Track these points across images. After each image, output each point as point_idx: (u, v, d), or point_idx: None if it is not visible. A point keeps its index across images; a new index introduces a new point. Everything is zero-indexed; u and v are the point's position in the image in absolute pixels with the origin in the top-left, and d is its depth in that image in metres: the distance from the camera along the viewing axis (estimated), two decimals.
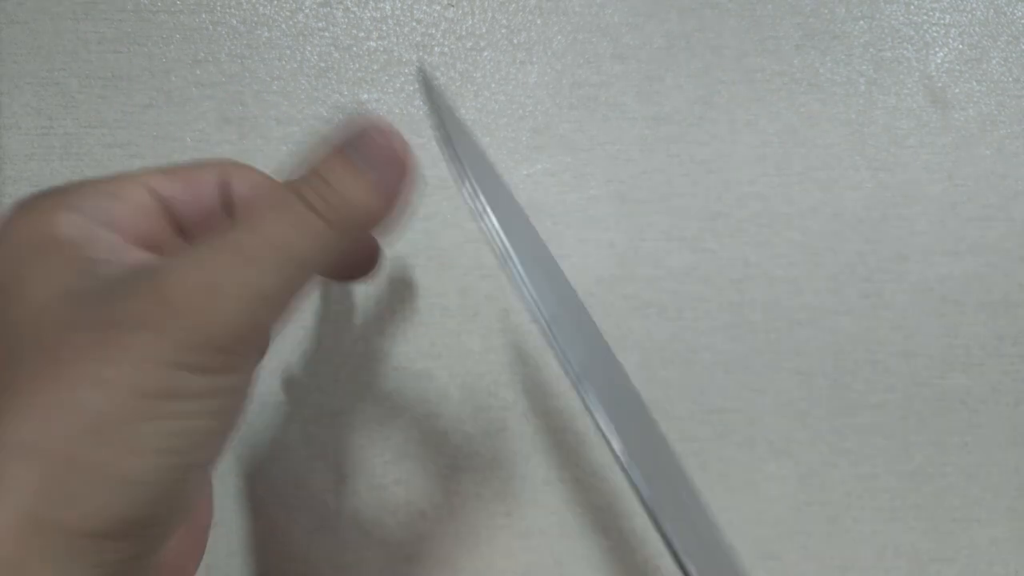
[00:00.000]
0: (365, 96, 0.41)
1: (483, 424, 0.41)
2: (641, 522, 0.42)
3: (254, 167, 0.27)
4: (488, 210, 0.25)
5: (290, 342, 0.41)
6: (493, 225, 0.25)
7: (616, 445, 0.24)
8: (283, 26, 0.41)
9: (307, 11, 0.41)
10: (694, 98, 0.43)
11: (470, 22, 0.42)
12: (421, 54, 0.41)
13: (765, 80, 0.43)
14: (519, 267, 0.25)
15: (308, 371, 0.42)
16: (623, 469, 0.24)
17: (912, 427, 0.44)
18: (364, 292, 0.41)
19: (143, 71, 0.40)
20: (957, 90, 0.44)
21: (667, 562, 0.39)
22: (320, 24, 0.41)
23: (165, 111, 0.40)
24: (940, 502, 0.44)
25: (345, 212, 0.22)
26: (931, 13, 0.44)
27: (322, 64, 0.41)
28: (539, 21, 0.42)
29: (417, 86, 0.39)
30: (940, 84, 0.43)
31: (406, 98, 0.41)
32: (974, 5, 0.44)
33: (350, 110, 0.41)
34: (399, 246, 0.41)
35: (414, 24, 0.41)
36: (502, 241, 0.25)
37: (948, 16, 0.44)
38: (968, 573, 0.44)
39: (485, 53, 0.42)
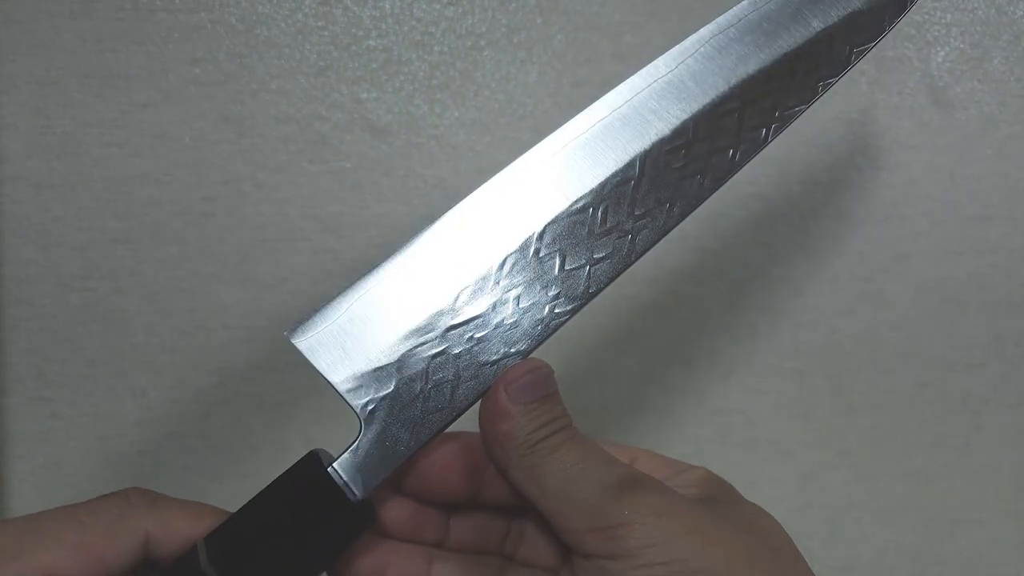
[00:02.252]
0: (364, 95, 0.41)
1: None
2: None
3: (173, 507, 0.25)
4: None
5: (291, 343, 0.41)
6: None
7: None
8: (282, 24, 0.41)
9: (306, 9, 0.41)
10: None
11: (470, 21, 0.42)
12: (420, 52, 0.41)
13: None
14: None
15: (306, 372, 0.41)
16: None
17: (913, 428, 0.44)
18: None
19: (141, 70, 0.40)
20: (959, 89, 0.43)
21: None
22: (319, 23, 0.41)
23: (163, 110, 0.40)
24: (941, 503, 0.44)
25: None
26: (932, 12, 0.43)
27: (321, 63, 0.41)
28: (539, 20, 0.42)
29: None
30: (942, 83, 0.43)
31: (405, 97, 0.41)
32: (975, 4, 0.43)
33: (349, 108, 0.41)
34: (399, 246, 0.41)
35: (414, 23, 0.41)
36: None
37: (950, 15, 0.43)
38: (969, 574, 0.44)
39: (485, 52, 0.42)
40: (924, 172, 0.43)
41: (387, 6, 0.41)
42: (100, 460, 0.41)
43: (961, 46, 0.44)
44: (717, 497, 0.26)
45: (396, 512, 0.26)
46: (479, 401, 0.26)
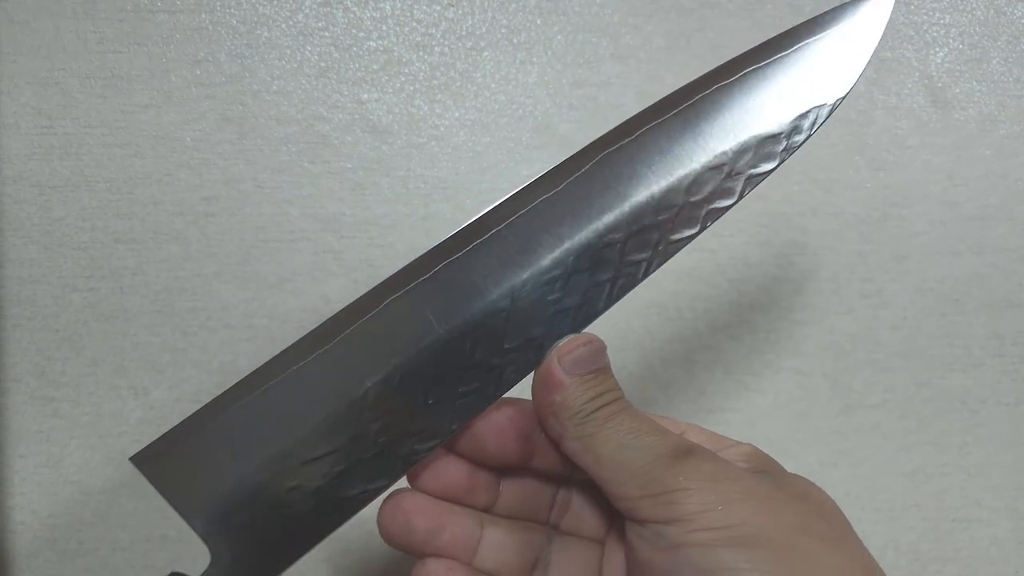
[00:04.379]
0: (365, 96, 0.41)
1: None
2: None
3: None
4: None
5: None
6: None
7: None
8: (283, 26, 0.41)
9: (307, 11, 0.41)
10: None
11: (470, 22, 0.42)
12: (421, 54, 0.42)
13: None
14: None
15: None
16: None
17: (912, 427, 0.44)
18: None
19: (143, 71, 0.40)
20: (957, 90, 0.44)
21: None
22: (320, 24, 0.41)
23: (165, 111, 0.40)
24: (940, 502, 0.44)
25: None
26: (931, 13, 0.44)
27: (322, 64, 0.41)
28: (539, 21, 0.42)
29: None
30: (940, 84, 0.43)
31: (406, 98, 0.41)
32: (974, 5, 0.44)
33: (350, 109, 0.41)
34: (400, 246, 0.41)
35: (414, 24, 0.41)
36: None
37: (948, 16, 0.44)
38: (968, 573, 0.44)
39: (485, 53, 0.42)
40: (922, 172, 0.43)
41: (388, 8, 0.41)
42: (102, 459, 0.41)
43: (960, 47, 0.44)
44: (766, 470, 0.26)
45: (452, 473, 0.26)
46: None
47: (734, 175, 0.26)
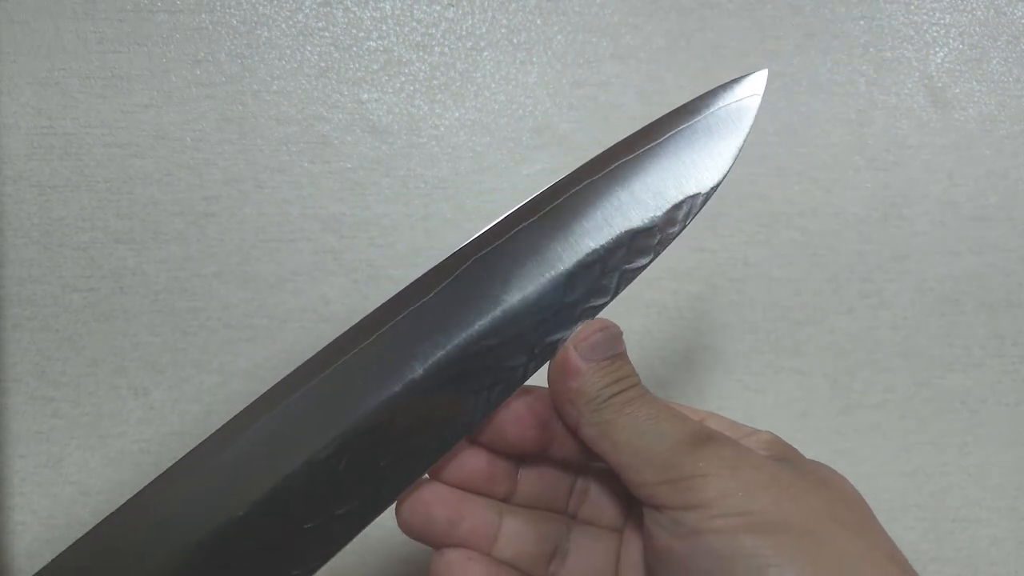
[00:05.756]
0: (365, 96, 0.41)
1: None
2: None
3: None
4: None
5: (293, 343, 0.41)
6: None
7: None
8: (283, 26, 0.41)
9: (307, 11, 0.41)
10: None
11: (470, 22, 0.42)
12: (421, 54, 0.42)
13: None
14: None
15: None
16: None
17: (912, 427, 0.44)
18: (365, 293, 0.41)
19: (143, 71, 0.40)
20: (957, 90, 0.44)
21: None
22: (320, 24, 0.41)
23: (165, 111, 0.40)
24: (940, 502, 0.44)
25: None
26: (931, 13, 0.44)
27: (322, 64, 0.41)
28: (539, 21, 0.42)
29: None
30: (940, 84, 0.43)
31: (406, 98, 0.41)
32: (974, 5, 0.44)
33: (350, 109, 0.41)
34: (400, 246, 0.41)
35: (414, 24, 0.41)
36: None
37: (948, 16, 0.44)
38: (968, 573, 0.44)
39: (485, 53, 0.42)
40: (922, 172, 0.43)
41: (388, 8, 0.41)
42: (102, 459, 0.41)
43: (960, 47, 0.44)
44: (786, 457, 0.26)
45: (472, 463, 0.26)
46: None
47: (608, 272, 0.26)
